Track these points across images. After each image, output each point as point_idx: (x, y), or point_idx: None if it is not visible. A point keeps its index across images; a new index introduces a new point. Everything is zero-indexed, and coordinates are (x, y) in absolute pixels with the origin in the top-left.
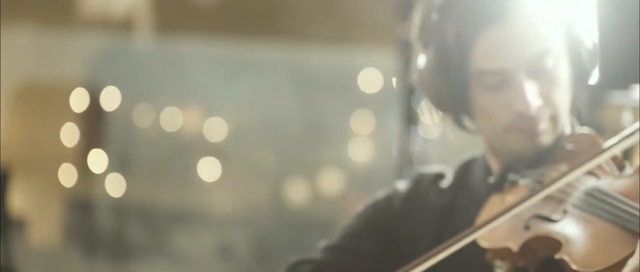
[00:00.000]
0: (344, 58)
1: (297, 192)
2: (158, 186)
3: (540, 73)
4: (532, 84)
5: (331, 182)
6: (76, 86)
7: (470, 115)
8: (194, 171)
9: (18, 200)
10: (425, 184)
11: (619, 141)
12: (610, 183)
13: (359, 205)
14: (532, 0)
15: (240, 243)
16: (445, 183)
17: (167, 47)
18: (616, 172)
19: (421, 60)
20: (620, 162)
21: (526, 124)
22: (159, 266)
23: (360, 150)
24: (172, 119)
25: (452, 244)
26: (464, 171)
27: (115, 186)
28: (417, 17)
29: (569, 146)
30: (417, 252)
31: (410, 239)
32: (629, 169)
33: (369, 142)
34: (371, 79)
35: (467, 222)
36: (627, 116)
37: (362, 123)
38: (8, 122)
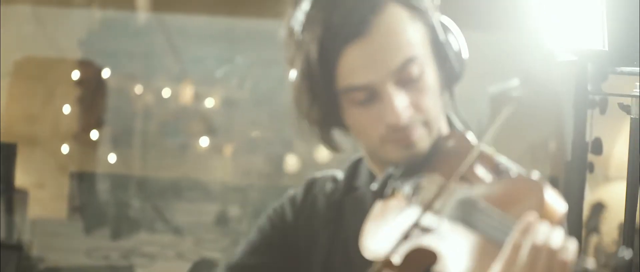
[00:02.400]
0: None
1: (292, 163)
2: (154, 159)
3: (407, 82)
4: (400, 94)
5: (326, 152)
6: (76, 61)
7: (346, 130)
8: (191, 143)
9: (21, 173)
10: (316, 191)
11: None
12: (481, 191)
13: None
14: (394, 10)
15: (238, 213)
16: (335, 188)
17: (164, 22)
18: (490, 177)
19: (292, 74)
20: (494, 167)
21: (400, 135)
22: (159, 236)
23: None
24: (171, 93)
25: None
26: (352, 173)
27: (114, 159)
28: (282, 33)
29: (448, 145)
30: (312, 262)
31: (305, 249)
32: (509, 173)
33: None
34: None
35: (355, 229)
36: (636, 87)
37: None
38: (10, 97)
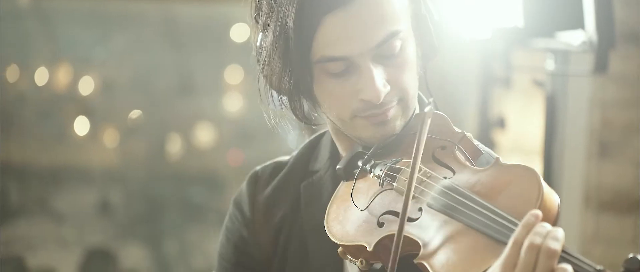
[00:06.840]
0: (216, 12)
1: (173, 146)
2: (33, 146)
3: (388, 57)
4: (379, 70)
5: (206, 134)
6: None
7: (314, 101)
8: (69, 129)
9: None
10: (261, 185)
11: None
12: (467, 179)
13: (235, 156)
14: None
15: (120, 199)
16: (287, 174)
17: (38, 4)
18: (470, 163)
19: (260, 39)
20: (474, 151)
21: (375, 111)
22: (39, 225)
23: (233, 103)
24: (45, 77)
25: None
26: (308, 155)
27: None
28: None
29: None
30: (287, 255)
31: (265, 243)
32: (498, 160)
33: (241, 94)
34: (243, 33)
35: (314, 216)
36: (550, 61)
37: (234, 76)
38: None
